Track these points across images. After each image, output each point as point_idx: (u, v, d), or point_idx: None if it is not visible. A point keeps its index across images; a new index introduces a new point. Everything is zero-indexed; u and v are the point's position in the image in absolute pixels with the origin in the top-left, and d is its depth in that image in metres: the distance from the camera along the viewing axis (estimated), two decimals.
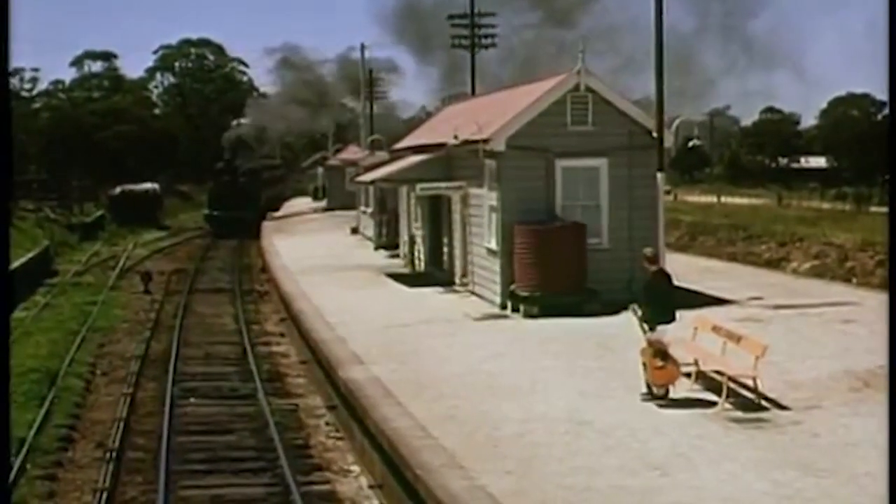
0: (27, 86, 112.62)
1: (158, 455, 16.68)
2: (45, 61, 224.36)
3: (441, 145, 29.62)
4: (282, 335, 28.46)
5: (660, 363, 15.16)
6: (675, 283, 16.58)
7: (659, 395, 15.33)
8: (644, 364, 15.47)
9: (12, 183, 48.51)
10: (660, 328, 15.42)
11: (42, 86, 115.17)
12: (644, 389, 15.53)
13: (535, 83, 28.34)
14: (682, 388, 15.70)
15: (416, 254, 34.35)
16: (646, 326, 15.55)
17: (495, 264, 25.19)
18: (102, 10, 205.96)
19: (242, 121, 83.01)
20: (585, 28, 62.60)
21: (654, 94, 24.87)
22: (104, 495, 14.89)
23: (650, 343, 15.34)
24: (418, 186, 29.39)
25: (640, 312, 15.73)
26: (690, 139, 40.91)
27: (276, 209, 76.13)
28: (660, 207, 24.84)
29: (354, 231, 51.39)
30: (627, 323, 16.09)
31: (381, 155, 46.23)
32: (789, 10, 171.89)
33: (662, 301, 15.68)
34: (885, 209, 55.00)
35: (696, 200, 78.99)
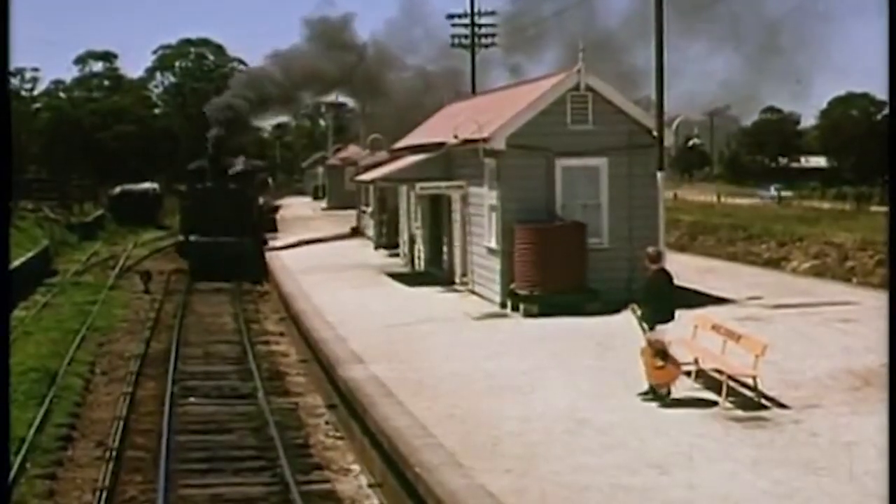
0: (27, 86, 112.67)
1: (158, 454, 16.68)
2: (45, 61, 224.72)
3: (441, 144, 29.62)
4: (282, 334, 28.45)
5: (659, 363, 15.13)
6: (676, 282, 16.55)
7: (661, 395, 15.32)
8: (645, 363, 15.44)
9: (12, 183, 48.39)
10: (659, 328, 15.37)
11: (42, 86, 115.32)
12: (644, 388, 15.51)
13: (535, 82, 28.35)
14: (683, 387, 15.70)
15: (415, 253, 34.34)
16: (645, 326, 15.52)
17: (495, 263, 25.19)
18: (103, 10, 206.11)
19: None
20: None
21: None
22: (104, 494, 14.89)
23: (650, 343, 15.31)
24: (418, 186, 29.37)
25: (639, 312, 15.69)
26: (690, 138, 41.02)
27: (273, 228, 55.48)
28: (660, 207, 24.87)
29: (355, 231, 51.38)
30: (627, 322, 16.09)
31: (381, 154, 46.24)
32: None
33: (662, 300, 15.62)
34: (885, 209, 55.03)
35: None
